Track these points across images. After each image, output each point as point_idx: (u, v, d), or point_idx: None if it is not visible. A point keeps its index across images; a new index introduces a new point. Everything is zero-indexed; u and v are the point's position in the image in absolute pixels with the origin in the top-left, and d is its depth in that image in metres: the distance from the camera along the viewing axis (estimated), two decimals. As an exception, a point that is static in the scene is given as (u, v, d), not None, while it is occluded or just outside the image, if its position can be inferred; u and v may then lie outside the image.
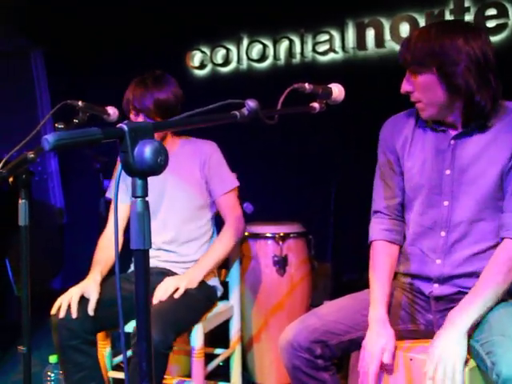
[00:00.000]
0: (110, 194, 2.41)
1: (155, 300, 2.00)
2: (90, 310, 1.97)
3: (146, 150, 0.90)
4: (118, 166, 0.94)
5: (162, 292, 2.02)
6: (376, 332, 1.61)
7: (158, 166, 0.91)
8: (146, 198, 0.95)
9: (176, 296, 2.02)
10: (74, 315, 1.93)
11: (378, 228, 1.82)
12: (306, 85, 1.49)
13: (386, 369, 1.57)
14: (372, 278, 1.73)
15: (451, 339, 1.47)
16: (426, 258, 1.73)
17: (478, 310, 1.52)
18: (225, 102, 1.17)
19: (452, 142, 1.67)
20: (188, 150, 2.29)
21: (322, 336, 1.68)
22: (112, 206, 2.34)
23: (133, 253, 0.94)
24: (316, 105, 1.50)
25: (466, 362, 1.47)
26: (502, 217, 1.61)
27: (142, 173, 0.93)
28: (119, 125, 0.92)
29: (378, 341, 1.58)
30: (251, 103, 1.19)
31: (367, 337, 1.62)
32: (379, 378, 1.59)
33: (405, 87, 1.67)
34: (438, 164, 1.69)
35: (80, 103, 1.90)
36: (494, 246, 1.62)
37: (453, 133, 1.68)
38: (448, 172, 1.67)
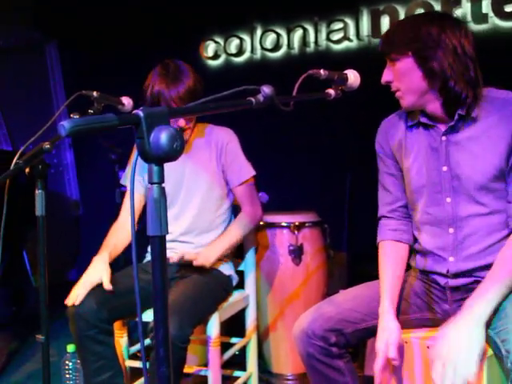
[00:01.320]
0: (124, 181, 2.41)
1: (176, 259, 2.02)
2: (106, 286, 1.97)
3: (162, 136, 0.90)
4: (134, 153, 0.94)
5: (181, 253, 2.04)
6: (381, 327, 1.61)
7: (174, 151, 0.91)
8: (163, 185, 0.94)
9: (195, 264, 2.05)
10: (81, 298, 1.94)
11: (384, 229, 1.82)
12: (322, 71, 1.49)
13: (394, 361, 1.56)
14: (381, 276, 1.72)
15: (467, 328, 1.42)
16: (437, 257, 1.71)
17: (496, 297, 1.48)
18: (240, 89, 1.16)
19: (443, 138, 1.66)
20: (205, 137, 2.29)
21: (336, 324, 1.68)
22: (126, 195, 2.35)
23: (149, 239, 0.94)
24: (332, 91, 1.49)
25: (484, 351, 1.41)
26: (510, 207, 1.59)
27: (158, 159, 0.92)
28: (135, 111, 0.92)
29: (382, 336, 1.58)
30: (266, 89, 1.18)
31: (378, 328, 1.62)
32: (396, 369, 1.58)
33: (385, 77, 1.68)
34: (434, 162, 1.68)
35: (95, 93, 1.90)
36: (506, 237, 1.60)
37: (442, 128, 1.67)
38: (445, 169, 1.66)
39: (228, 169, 2.26)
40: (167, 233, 0.94)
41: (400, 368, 1.61)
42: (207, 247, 2.18)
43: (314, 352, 1.67)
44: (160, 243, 0.94)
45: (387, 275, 1.70)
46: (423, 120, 1.70)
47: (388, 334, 1.57)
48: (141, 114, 0.91)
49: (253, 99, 1.18)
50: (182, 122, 2.13)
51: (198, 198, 2.25)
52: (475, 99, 1.59)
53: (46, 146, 1.70)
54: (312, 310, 1.75)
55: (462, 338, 1.40)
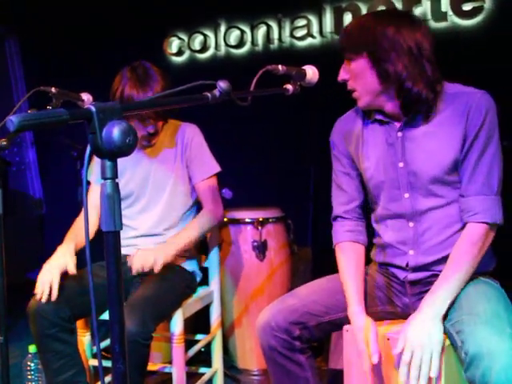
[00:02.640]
0: (87, 176, 2.37)
1: (135, 272, 1.98)
2: (71, 271, 1.96)
3: (115, 131, 0.89)
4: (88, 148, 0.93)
5: (140, 264, 1.98)
6: (356, 328, 1.61)
7: (127, 146, 0.90)
8: (116, 180, 0.94)
9: (156, 270, 1.99)
10: (54, 298, 1.90)
11: (340, 230, 1.82)
12: (280, 66, 1.49)
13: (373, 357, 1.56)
14: (344, 278, 1.71)
15: (427, 323, 1.48)
16: (397, 250, 1.74)
17: (450, 293, 1.53)
18: (196, 83, 1.16)
19: (399, 133, 1.68)
20: (171, 133, 2.28)
21: (301, 317, 1.69)
22: (89, 189, 2.32)
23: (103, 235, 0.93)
24: (290, 86, 1.50)
25: (443, 346, 1.47)
26: (463, 201, 1.62)
27: (111, 154, 0.91)
28: (86, 105, 0.91)
29: (360, 336, 1.58)
30: (222, 84, 1.18)
31: (353, 329, 1.62)
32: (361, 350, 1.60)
33: (341, 75, 1.69)
34: (391, 158, 1.69)
35: (53, 89, 1.87)
36: (462, 228, 1.63)
37: (398, 125, 1.68)
38: (401, 165, 1.67)
39: (191, 165, 2.26)
40: (121, 228, 0.93)
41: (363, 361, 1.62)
42: (165, 243, 2.15)
43: (277, 345, 1.68)
44: (114, 238, 0.93)
45: (351, 277, 1.70)
46: (378, 117, 1.71)
47: (365, 333, 1.57)
48: (93, 108, 0.90)
49: (209, 94, 1.18)
50: (151, 129, 2.13)
51: (164, 193, 2.24)
52: (435, 98, 1.61)
53: (3, 142, 1.67)
54: (276, 303, 1.76)
55: (421, 337, 1.46)
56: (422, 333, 1.46)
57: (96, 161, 2.23)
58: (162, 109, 1.86)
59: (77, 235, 2.15)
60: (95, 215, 2.21)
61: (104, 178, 0.93)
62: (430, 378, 1.44)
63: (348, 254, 1.77)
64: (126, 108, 1.01)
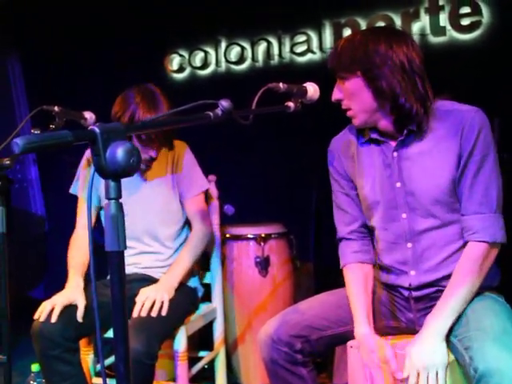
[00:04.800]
0: (73, 190, 2.34)
1: (135, 314, 1.96)
2: (79, 317, 1.95)
3: (119, 152, 0.90)
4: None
5: (141, 306, 1.97)
6: (369, 349, 1.59)
7: (131, 166, 0.91)
8: (120, 200, 0.94)
9: (163, 313, 1.97)
10: (54, 319, 1.90)
11: (347, 251, 1.81)
12: (281, 84, 1.50)
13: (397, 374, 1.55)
14: (353, 300, 1.70)
15: (429, 343, 1.48)
16: (399, 272, 1.73)
17: (453, 312, 1.53)
18: (198, 103, 1.17)
19: (395, 154, 1.67)
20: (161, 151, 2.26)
21: (302, 331, 1.69)
22: (78, 206, 2.31)
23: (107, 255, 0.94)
24: (291, 104, 1.51)
25: (447, 366, 1.47)
26: (463, 220, 1.61)
27: (115, 174, 0.92)
28: (90, 127, 0.92)
29: (373, 357, 1.57)
30: (224, 103, 1.19)
31: (362, 351, 1.61)
32: (370, 368, 1.59)
33: (335, 95, 1.68)
34: (387, 178, 1.68)
35: (56, 108, 1.89)
36: (463, 247, 1.62)
37: (393, 144, 1.68)
38: (398, 185, 1.67)
39: (181, 182, 2.26)
40: (125, 248, 0.94)
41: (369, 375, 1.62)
42: (165, 277, 2.14)
43: (278, 358, 1.68)
44: (118, 258, 0.94)
45: (359, 298, 1.69)
46: (374, 136, 1.70)
47: (380, 352, 1.57)
48: (96, 130, 0.91)
49: (211, 113, 1.18)
50: (154, 154, 2.14)
51: (156, 211, 2.24)
52: (426, 114, 1.60)
53: (6, 162, 1.69)
54: (278, 317, 1.76)
55: (425, 358, 1.46)
56: (425, 353, 1.47)
57: (82, 174, 2.24)
58: (164, 129, 1.86)
59: (78, 262, 2.14)
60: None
61: (108, 198, 0.94)
62: None
63: (356, 275, 1.76)
64: (130, 129, 1.02)
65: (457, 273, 1.58)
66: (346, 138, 1.81)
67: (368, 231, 1.82)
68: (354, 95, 1.63)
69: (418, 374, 1.45)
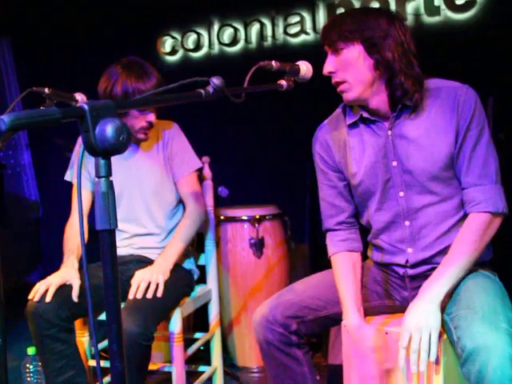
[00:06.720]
0: (68, 177, 2.34)
1: (131, 295, 1.95)
2: (75, 297, 1.95)
3: (108, 129, 0.89)
4: (79, 148, 0.93)
5: (136, 288, 1.97)
6: (360, 338, 1.61)
7: (121, 144, 0.90)
8: (110, 178, 0.93)
9: (159, 295, 1.97)
10: (49, 299, 1.90)
11: (334, 240, 1.79)
12: (273, 62, 1.48)
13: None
14: (342, 288, 1.69)
15: (424, 310, 1.48)
16: (395, 249, 1.73)
17: (449, 280, 1.53)
18: (189, 80, 1.16)
19: (389, 132, 1.66)
20: (151, 132, 2.22)
21: (298, 311, 1.70)
22: (74, 192, 2.31)
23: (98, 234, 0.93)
24: (283, 82, 1.49)
25: (440, 334, 1.47)
26: (464, 193, 1.62)
27: (104, 152, 0.91)
28: (79, 103, 0.90)
29: (368, 343, 1.59)
30: (216, 80, 1.17)
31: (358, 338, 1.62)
32: (362, 356, 1.61)
33: (327, 68, 1.63)
34: (382, 159, 1.67)
35: (46, 90, 1.86)
36: (459, 221, 1.63)
37: (386, 124, 1.66)
38: (395, 163, 1.66)
39: (172, 162, 2.25)
40: (116, 226, 0.93)
41: (361, 356, 1.62)
42: (160, 259, 2.13)
43: (273, 339, 1.68)
44: (109, 237, 0.93)
45: (348, 288, 1.68)
46: (365, 115, 1.67)
47: (371, 341, 1.58)
48: (85, 106, 0.89)
49: (202, 91, 1.17)
50: (152, 117, 2.11)
51: (149, 191, 2.23)
52: (420, 91, 1.60)
53: (-3, 144, 1.66)
54: (273, 298, 1.76)
55: (418, 320, 1.46)
56: (418, 316, 1.47)
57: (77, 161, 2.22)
58: (154, 106, 1.84)
59: (73, 244, 2.14)
60: (84, 220, 2.20)
61: (98, 176, 0.93)
62: (429, 364, 1.44)
63: (344, 264, 1.74)
64: (120, 106, 1.00)
65: (457, 243, 1.58)
66: (334, 124, 1.79)
67: (356, 220, 1.82)
68: (351, 66, 1.60)
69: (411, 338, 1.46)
